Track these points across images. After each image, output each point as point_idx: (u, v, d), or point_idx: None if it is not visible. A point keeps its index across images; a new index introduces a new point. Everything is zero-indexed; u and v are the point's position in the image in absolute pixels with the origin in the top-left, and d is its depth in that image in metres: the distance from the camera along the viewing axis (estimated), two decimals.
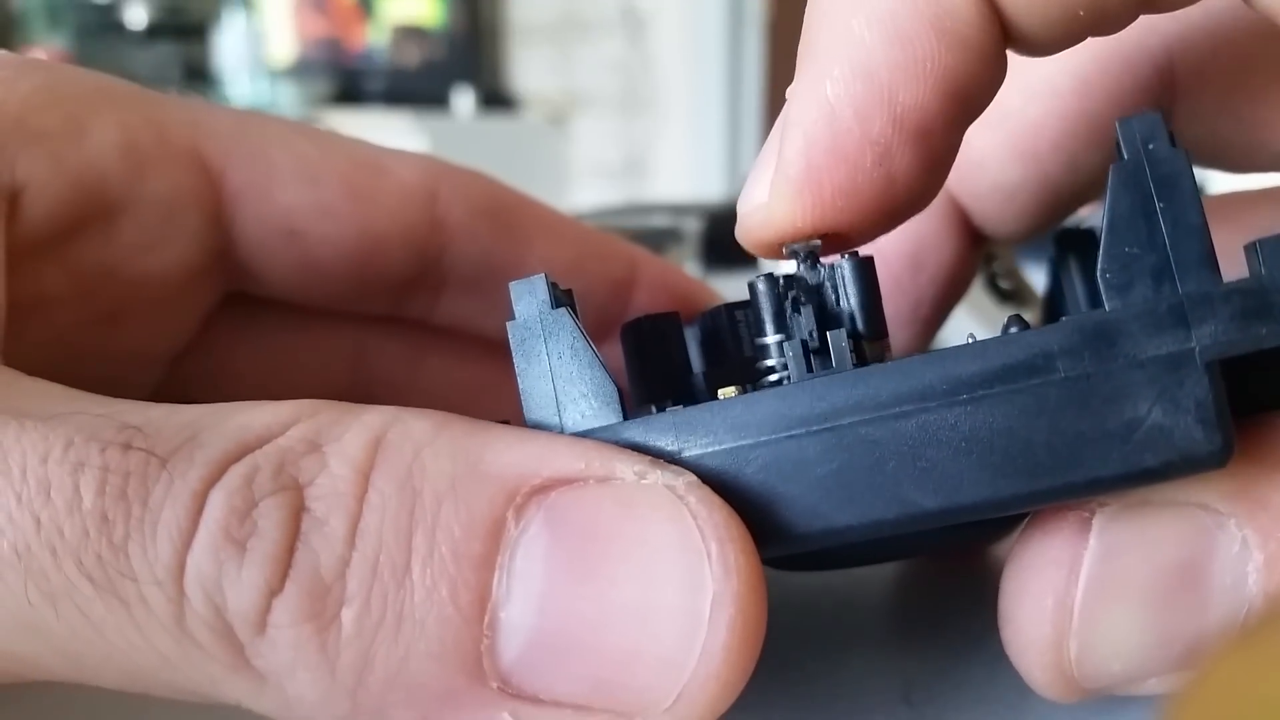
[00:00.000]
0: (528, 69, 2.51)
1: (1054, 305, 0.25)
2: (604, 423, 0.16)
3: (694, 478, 0.15)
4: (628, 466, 0.15)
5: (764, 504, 0.15)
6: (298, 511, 0.14)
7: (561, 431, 0.16)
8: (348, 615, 0.14)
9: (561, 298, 0.17)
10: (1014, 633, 0.16)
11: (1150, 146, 0.15)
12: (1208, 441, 0.14)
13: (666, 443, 0.16)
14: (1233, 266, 0.15)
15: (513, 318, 0.17)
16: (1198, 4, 0.17)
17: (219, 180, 0.22)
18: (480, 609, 0.14)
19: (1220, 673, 0.10)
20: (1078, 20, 0.17)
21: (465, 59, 2.48)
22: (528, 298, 0.17)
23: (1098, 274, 0.15)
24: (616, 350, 0.19)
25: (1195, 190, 0.15)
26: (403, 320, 0.27)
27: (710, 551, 0.15)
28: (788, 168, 0.17)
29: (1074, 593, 0.16)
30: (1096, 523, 0.16)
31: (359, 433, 0.15)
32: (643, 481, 0.15)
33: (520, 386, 0.17)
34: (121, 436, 0.15)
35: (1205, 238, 0.15)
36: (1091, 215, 0.27)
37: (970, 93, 0.17)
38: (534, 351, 0.17)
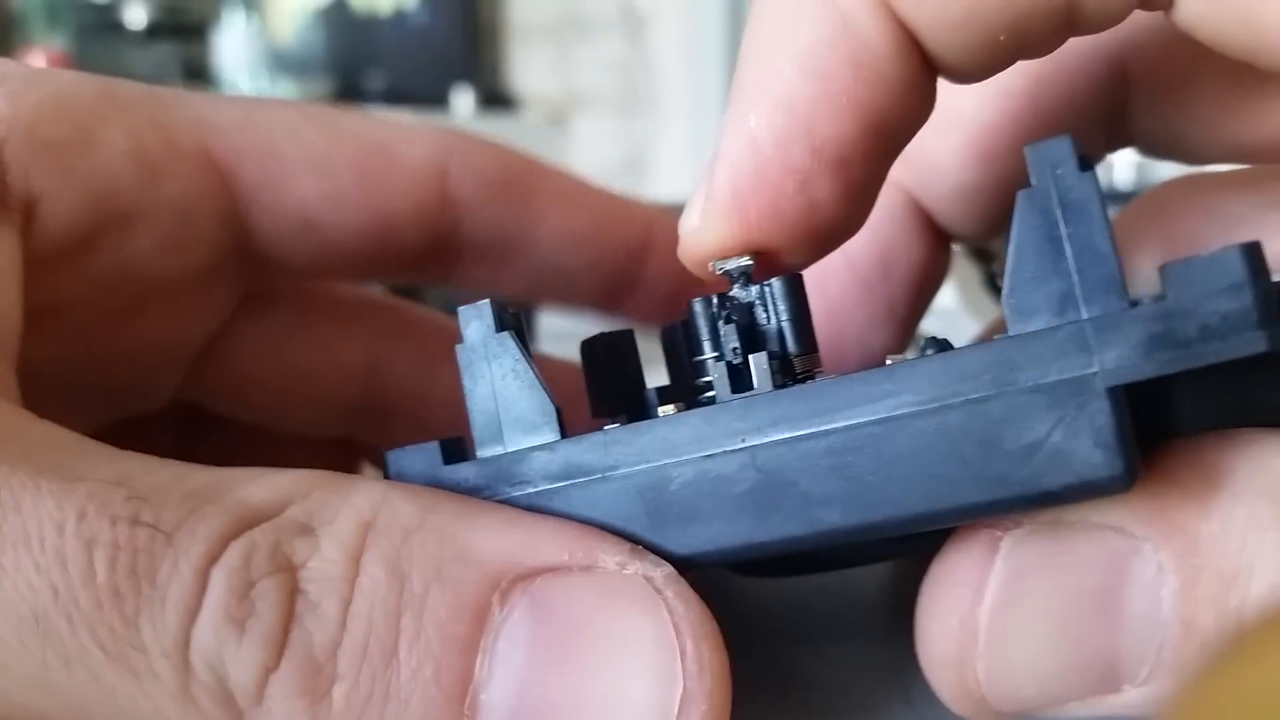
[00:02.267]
0: (528, 69, 2.51)
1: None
2: (542, 441, 0.17)
3: (672, 569, 0.16)
4: (610, 556, 0.16)
5: (687, 519, 0.16)
6: (293, 593, 0.15)
7: (504, 450, 0.17)
8: (338, 693, 0.15)
9: (508, 320, 0.18)
10: (924, 650, 0.16)
11: (1059, 171, 0.15)
12: (1108, 466, 0.14)
13: (598, 459, 0.16)
14: (1194, 251, 0.15)
15: (461, 341, 0.17)
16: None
17: (231, 179, 0.22)
18: (462, 690, 0.15)
19: (1216, 676, 0.10)
20: (1001, 46, 0.17)
21: (465, 59, 2.48)
22: (475, 322, 0.17)
23: (1002, 299, 0.15)
24: (631, 314, 0.18)
25: (1103, 215, 0.15)
26: (414, 324, 0.27)
27: (685, 649, 0.15)
28: (715, 194, 0.18)
29: (979, 614, 0.16)
30: (1005, 544, 0.16)
31: (349, 515, 0.16)
32: (624, 571, 0.16)
33: (467, 407, 0.17)
34: (129, 509, 0.15)
35: (1112, 263, 0.14)
36: None
37: (889, 124, 0.17)
38: (480, 374, 0.17)
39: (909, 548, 0.19)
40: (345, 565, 0.15)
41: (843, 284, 0.25)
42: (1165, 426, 0.16)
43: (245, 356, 0.25)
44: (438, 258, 0.25)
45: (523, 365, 0.17)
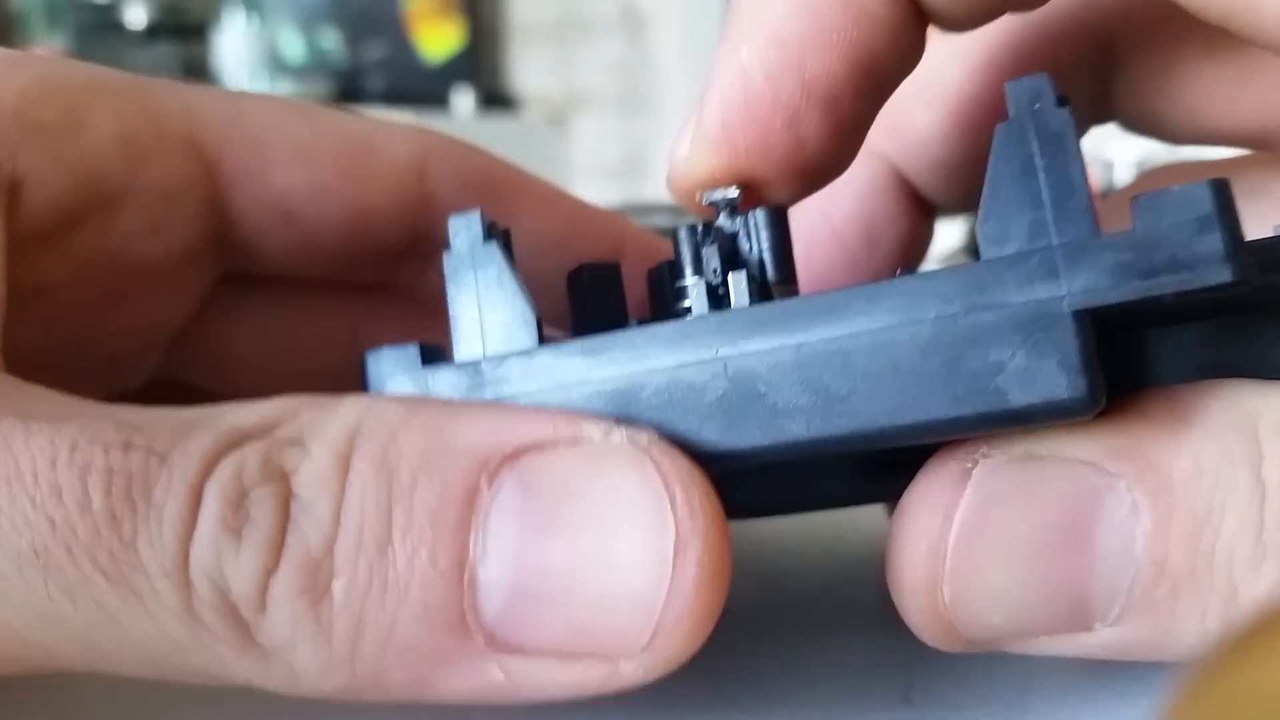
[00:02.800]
0: (528, 69, 2.51)
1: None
2: (521, 347, 0.17)
3: (655, 434, 0.16)
4: (594, 427, 0.16)
5: (657, 425, 0.16)
6: (286, 498, 0.15)
7: (483, 355, 0.17)
8: (338, 586, 0.15)
9: (495, 233, 0.18)
10: (893, 577, 0.17)
11: (1036, 106, 0.15)
12: (1071, 387, 0.14)
13: (574, 365, 0.17)
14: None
15: (448, 248, 0.18)
16: None
17: (215, 166, 0.22)
18: (459, 569, 0.15)
19: (1218, 672, 0.10)
20: None
21: (465, 59, 2.48)
22: (464, 231, 0.18)
23: (976, 227, 0.15)
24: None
25: (1077, 149, 0.15)
26: (398, 300, 0.27)
27: (674, 495, 0.15)
28: (705, 125, 0.18)
29: (947, 539, 0.16)
30: (976, 472, 0.16)
31: (337, 424, 0.16)
32: (609, 439, 0.16)
33: (449, 314, 0.18)
34: (121, 436, 0.15)
35: (1085, 193, 0.15)
36: None
37: (878, 65, 0.18)
38: (464, 281, 0.18)
39: (884, 488, 0.19)
40: (335, 466, 0.15)
41: (829, 255, 0.26)
42: (1143, 379, 0.16)
43: (228, 332, 0.26)
44: (412, 256, 0.26)
45: (507, 274, 0.18)
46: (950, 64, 0.23)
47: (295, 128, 0.24)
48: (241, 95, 0.24)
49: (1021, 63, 0.23)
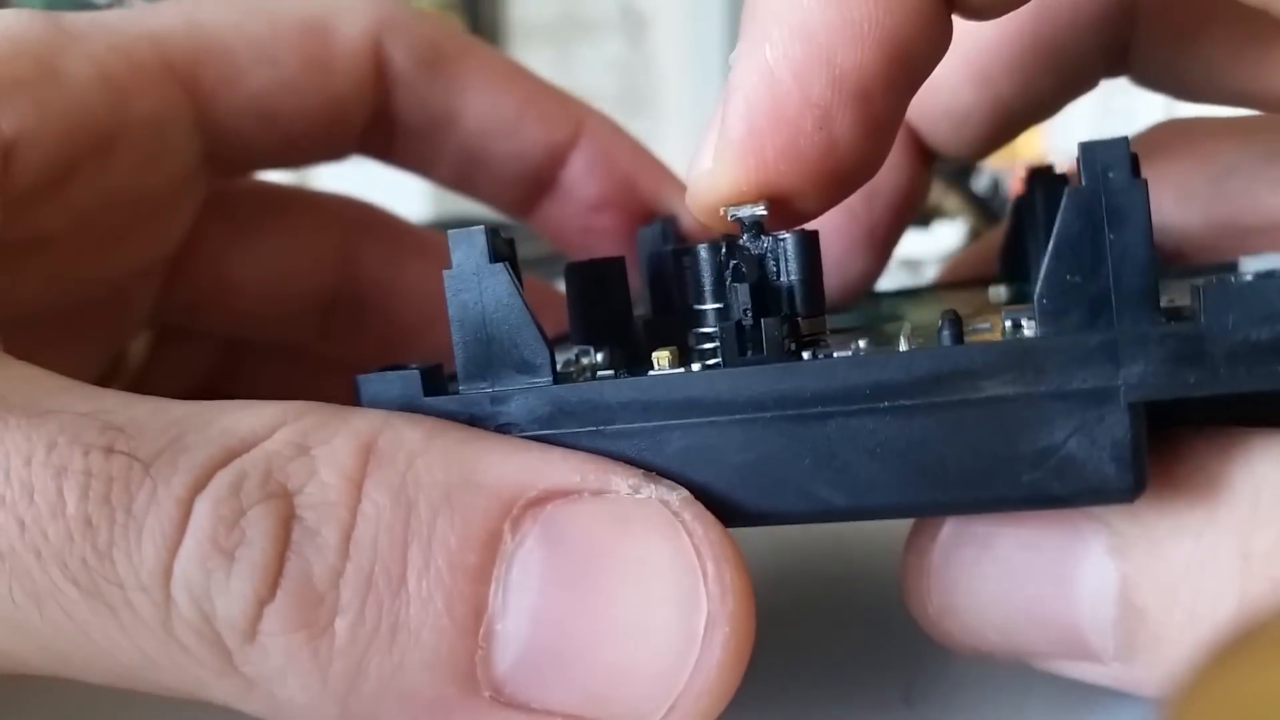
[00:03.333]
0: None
1: (1012, 243, 0.25)
2: (532, 382, 0.16)
3: (688, 494, 0.15)
4: (622, 480, 0.15)
5: (683, 481, 0.16)
6: (288, 520, 0.14)
7: (491, 388, 0.16)
8: (341, 625, 0.14)
9: (502, 250, 0.17)
10: (900, 583, 0.17)
11: (1110, 175, 0.15)
12: (1118, 479, 0.14)
13: (592, 410, 0.16)
14: (1183, 198, 0.14)
15: (449, 267, 0.17)
16: None
17: (192, 85, 0.22)
18: (476, 620, 0.15)
19: (1219, 673, 0.10)
20: None
21: None
22: (466, 248, 0.17)
23: (1035, 298, 0.15)
24: (543, 216, 0.18)
25: (1148, 225, 0.14)
26: (384, 221, 0.28)
27: (706, 571, 0.15)
28: (730, 132, 0.17)
29: (932, 554, 0.16)
30: None
31: (348, 438, 0.15)
32: (637, 496, 0.15)
33: (453, 339, 0.17)
34: (104, 439, 0.15)
35: (1151, 274, 0.14)
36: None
37: (910, 55, 0.17)
38: (468, 304, 0.17)
39: None
40: (346, 491, 0.15)
41: None
42: (1170, 418, 0.16)
43: (221, 257, 0.26)
44: (376, 133, 0.26)
45: (516, 300, 0.16)
46: None
47: (254, 28, 0.23)
48: (197, 5, 0.23)
49: (1039, 9, 0.22)
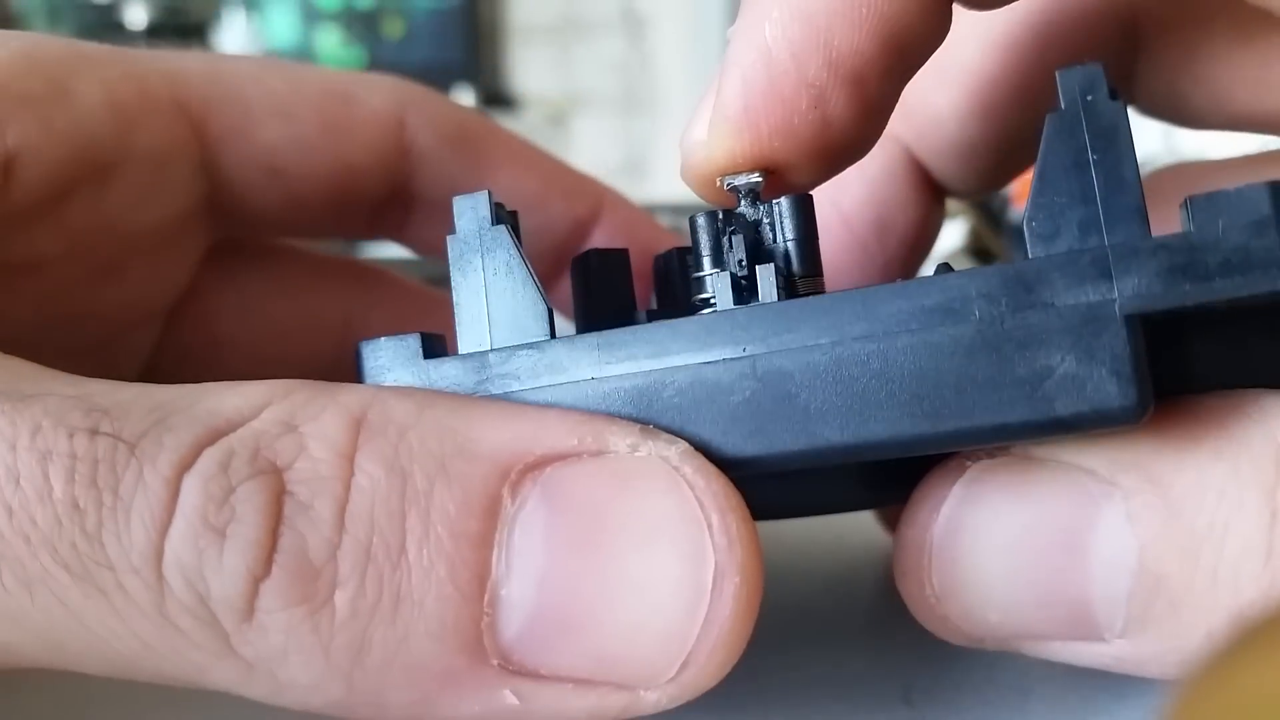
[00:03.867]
0: (528, 69, 2.51)
1: None
2: (531, 339, 0.16)
3: (687, 446, 0.15)
4: (620, 439, 0.15)
5: (678, 428, 0.15)
6: (279, 495, 0.14)
7: (490, 347, 0.16)
8: (341, 598, 0.14)
9: (504, 216, 0.17)
10: (894, 565, 0.16)
11: (1089, 98, 0.15)
12: (1121, 395, 0.14)
13: (590, 361, 0.16)
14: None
15: (454, 232, 0.17)
16: None
17: (201, 127, 0.22)
18: (480, 587, 0.14)
19: (1219, 672, 0.10)
20: None
21: (465, 59, 2.47)
22: (470, 213, 0.17)
23: (1023, 222, 0.15)
24: (568, 288, 0.19)
25: (1131, 144, 0.15)
26: (389, 284, 0.27)
27: (711, 523, 0.15)
28: (726, 107, 0.17)
29: (932, 530, 0.16)
30: (969, 470, 0.16)
31: (337, 413, 0.15)
32: (636, 454, 0.15)
33: (454, 300, 0.17)
34: (88, 421, 0.14)
35: (1137, 192, 0.14)
36: None
37: (907, 41, 0.17)
38: (470, 266, 0.17)
39: (899, 492, 0.19)
40: (337, 464, 0.14)
41: (838, 244, 0.25)
42: (1176, 386, 0.16)
43: (221, 314, 0.25)
44: (393, 210, 0.25)
45: (516, 261, 0.17)
46: (968, 43, 0.22)
47: (275, 84, 0.23)
48: (221, 57, 0.24)
49: (1042, 42, 0.22)
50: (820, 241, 0.18)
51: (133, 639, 0.14)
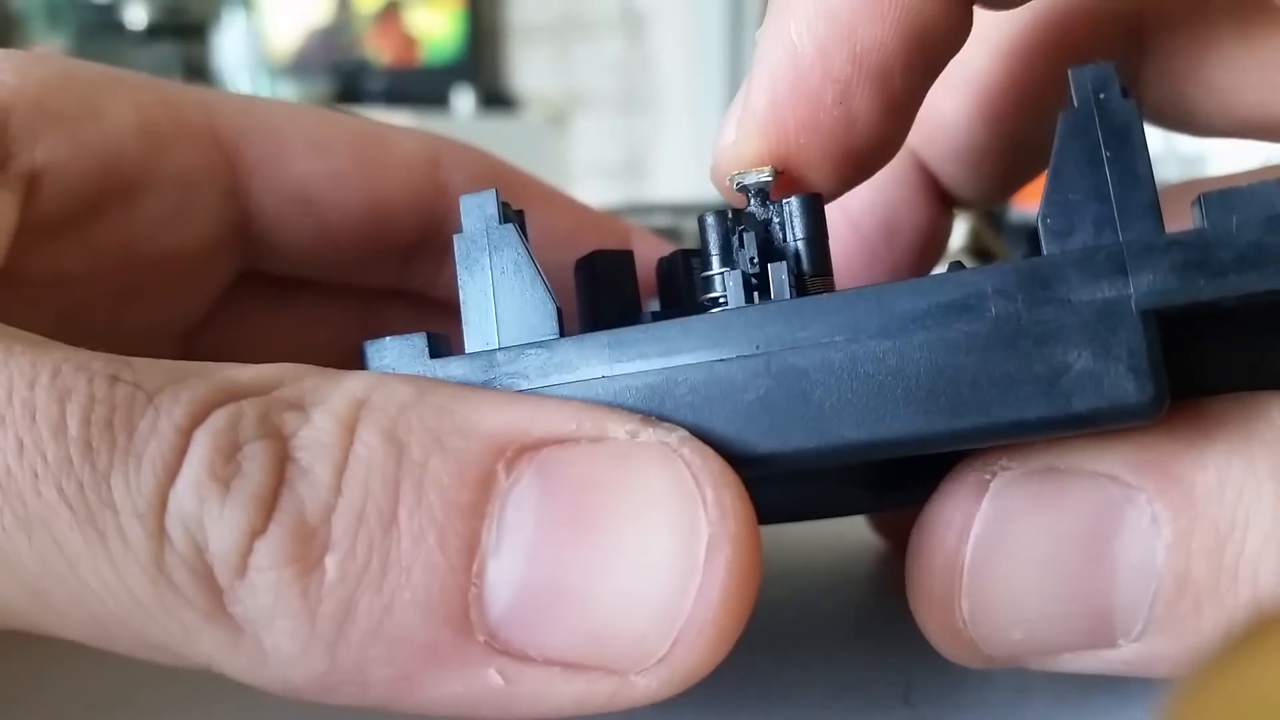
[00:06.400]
0: (528, 69, 2.51)
1: None
2: (540, 338, 0.16)
3: (686, 433, 0.15)
4: (620, 425, 0.15)
5: (690, 427, 0.15)
6: (282, 458, 0.14)
7: (498, 346, 0.16)
8: (331, 561, 0.14)
9: (511, 215, 0.17)
10: (912, 591, 0.16)
11: (1101, 96, 0.15)
12: (1138, 391, 0.14)
13: (600, 360, 0.16)
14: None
15: (460, 231, 0.17)
16: None
17: (233, 154, 0.22)
18: (469, 557, 0.14)
19: (1220, 672, 0.10)
20: None
21: (465, 59, 2.47)
22: (477, 212, 0.17)
23: (1038, 219, 0.15)
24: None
25: (1143, 141, 0.15)
26: (412, 312, 0.27)
27: (705, 496, 0.15)
28: (753, 102, 0.18)
29: (963, 552, 0.16)
30: (994, 485, 0.16)
31: (342, 394, 0.15)
32: (636, 439, 0.15)
33: (460, 299, 0.17)
34: (110, 369, 0.15)
35: (1151, 188, 0.15)
36: None
37: (930, 37, 0.17)
38: (478, 265, 0.17)
39: (904, 495, 0.19)
40: (338, 433, 0.15)
41: (847, 249, 0.25)
42: (1187, 385, 0.16)
43: (239, 338, 0.25)
44: (426, 252, 0.25)
45: (525, 259, 0.17)
46: (976, 50, 0.22)
47: (310, 120, 0.24)
48: (255, 97, 0.24)
49: (1048, 49, 0.23)
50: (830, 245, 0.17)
51: (124, 594, 0.14)
